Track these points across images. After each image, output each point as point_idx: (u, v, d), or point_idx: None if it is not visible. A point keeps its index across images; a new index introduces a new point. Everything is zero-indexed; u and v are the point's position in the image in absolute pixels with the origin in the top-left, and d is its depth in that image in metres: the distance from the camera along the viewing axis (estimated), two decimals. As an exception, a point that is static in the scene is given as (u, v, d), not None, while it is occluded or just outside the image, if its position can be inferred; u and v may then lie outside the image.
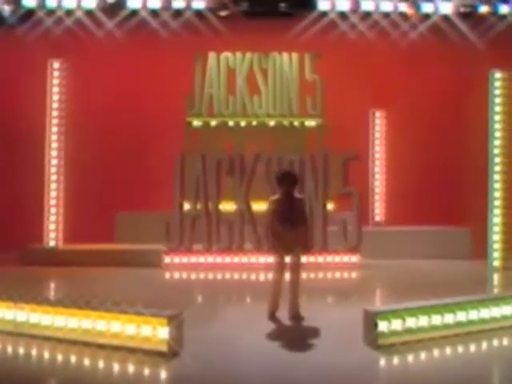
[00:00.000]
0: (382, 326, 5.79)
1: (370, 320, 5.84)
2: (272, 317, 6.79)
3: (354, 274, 9.99)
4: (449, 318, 6.09)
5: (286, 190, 6.79)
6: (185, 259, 10.35)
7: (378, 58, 11.93)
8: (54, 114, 11.03)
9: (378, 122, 12.37)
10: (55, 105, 11.07)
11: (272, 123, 11.67)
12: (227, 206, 10.76)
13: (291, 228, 6.71)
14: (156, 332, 5.57)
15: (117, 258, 10.19)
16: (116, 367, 5.40)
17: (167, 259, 10.32)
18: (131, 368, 5.36)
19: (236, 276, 9.83)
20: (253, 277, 9.75)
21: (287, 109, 11.73)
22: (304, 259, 10.02)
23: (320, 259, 10.47)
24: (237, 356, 5.59)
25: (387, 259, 10.79)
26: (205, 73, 11.45)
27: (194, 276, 9.81)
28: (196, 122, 11.45)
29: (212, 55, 11.55)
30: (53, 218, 10.70)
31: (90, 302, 6.10)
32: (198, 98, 11.49)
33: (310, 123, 11.65)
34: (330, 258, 10.51)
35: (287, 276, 6.91)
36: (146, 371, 5.29)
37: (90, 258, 10.21)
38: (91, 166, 11.73)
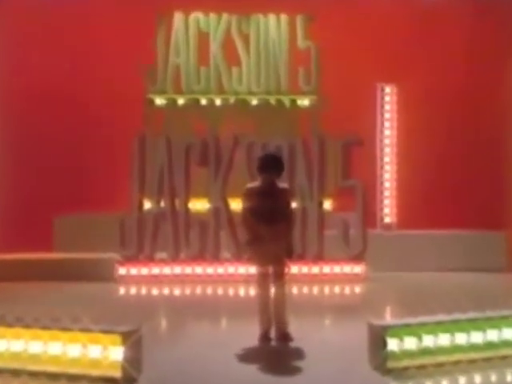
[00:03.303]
0: (392, 344, 5.73)
1: (377, 337, 5.76)
2: (266, 337, 6.77)
3: (357, 289, 10.06)
4: (477, 337, 6.02)
5: (267, 178, 6.69)
6: (145, 270, 10.39)
7: (386, 21, 12.03)
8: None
9: (388, 100, 12.38)
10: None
11: (255, 102, 11.78)
12: (199, 204, 10.85)
13: (273, 228, 6.65)
14: (107, 353, 5.49)
15: (56, 271, 10.22)
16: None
17: (122, 270, 10.38)
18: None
19: (209, 291, 9.87)
20: (231, 291, 9.83)
21: (274, 84, 11.85)
22: (295, 269, 10.02)
23: (315, 270, 10.53)
24: (207, 382, 5.57)
25: (399, 271, 10.97)
26: (169, 38, 11.48)
27: (156, 291, 9.85)
28: (159, 100, 11.52)
29: (178, 16, 11.56)
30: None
31: (21, 319, 6.00)
32: (162, 70, 11.55)
33: (303, 101, 11.79)
34: (327, 269, 10.56)
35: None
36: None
37: (22, 271, 10.23)
38: (23, 159, 11.74)
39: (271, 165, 6.73)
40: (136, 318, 7.76)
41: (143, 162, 10.45)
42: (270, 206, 6.65)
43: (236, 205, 10.40)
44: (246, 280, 9.86)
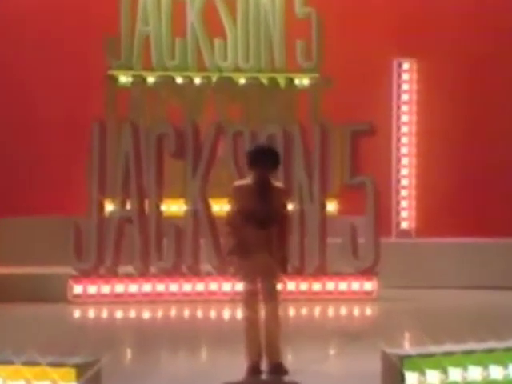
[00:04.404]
0: (412, 378, 5.69)
1: (393, 369, 5.74)
2: (255, 371, 6.72)
3: (367, 310, 10.11)
4: (516, 370, 6.03)
5: (259, 174, 6.72)
6: (106, 288, 10.31)
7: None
8: None
9: (406, 78, 12.41)
10: None
11: (242, 81, 11.78)
12: (173, 206, 10.88)
13: (265, 235, 6.65)
14: (57, 392, 5.45)
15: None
16: None
17: (77, 288, 10.31)
18: None
19: (187, 313, 9.87)
20: (212, 314, 9.83)
21: (266, 59, 11.86)
22: (291, 285, 10.00)
23: (316, 286, 10.53)
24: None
25: (419, 287, 10.97)
26: (136, 2, 11.48)
27: (120, 314, 9.84)
28: (124, 78, 11.51)
29: (148, -25, 11.62)
30: None
31: None
32: (127, 41, 11.54)
33: (301, 81, 11.85)
34: (330, 286, 10.55)
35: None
36: None
37: None
38: None
39: (264, 158, 6.76)
40: (94, 347, 7.70)
41: (104, 155, 10.41)
42: (261, 209, 6.67)
43: (219, 207, 10.52)
44: (232, 299, 9.80)
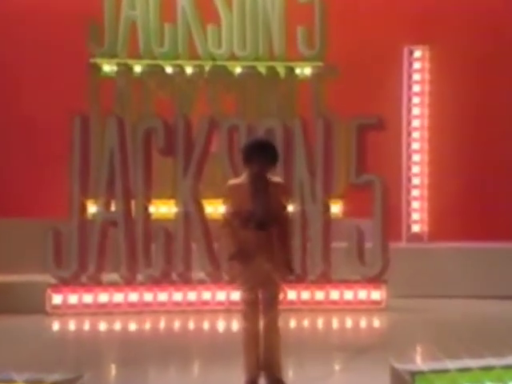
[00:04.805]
0: (424, 397, 5.68)
1: (403, 386, 5.76)
2: None
3: (376, 321, 10.08)
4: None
5: (256, 171, 6.74)
6: (88, 298, 10.25)
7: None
8: None
9: (418, 67, 12.31)
10: None
11: (238, 70, 11.71)
12: (163, 208, 10.78)
13: (264, 238, 6.67)
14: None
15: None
16: None
17: (57, 298, 10.25)
18: None
19: (177, 324, 9.82)
20: (206, 325, 9.77)
21: (264, 47, 11.77)
22: (292, 294, 10.02)
23: (319, 295, 10.47)
24: None
25: (431, 296, 10.97)
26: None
27: (104, 326, 9.76)
28: (107, 67, 11.41)
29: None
30: None
31: None
32: (111, 26, 11.44)
33: (303, 70, 11.75)
34: (335, 294, 10.51)
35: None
36: None
37: None
38: None
39: (260, 153, 6.75)
40: (76, 362, 7.74)
41: (86, 151, 10.34)
42: (259, 208, 6.66)
43: (213, 208, 10.53)
44: (227, 309, 9.83)
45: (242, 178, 6.84)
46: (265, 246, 6.66)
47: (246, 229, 6.66)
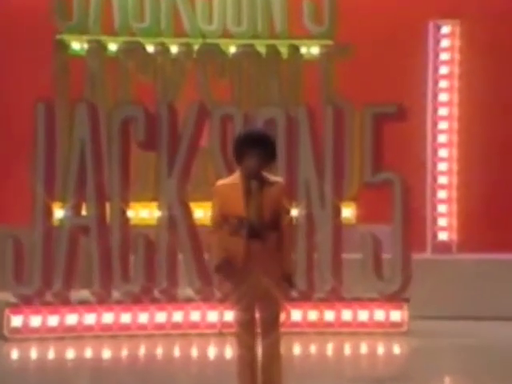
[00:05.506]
0: None
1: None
2: None
3: (395, 347, 10.11)
4: None
5: (250, 167, 6.75)
6: (53, 320, 10.20)
7: None
8: None
9: (446, 45, 12.28)
10: None
11: (233, 49, 11.76)
12: (143, 212, 10.88)
13: (260, 247, 6.70)
14: None
15: None
16: None
17: (16, 321, 10.21)
18: None
19: (160, 350, 9.82)
20: (194, 352, 9.79)
21: (264, 22, 11.82)
22: (296, 314, 9.95)
23: (329, 316, 10.44)
24: None
25: (461, 318, 10.98)
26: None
27: (72, 353, 9.71)
28: (77, 45, 11.45)
29: None
30: None
31: None
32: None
33: (310, 50, 11.81)
34: (347, 315, 10.49)
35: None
36: None
37: None
38: None
39: (255, 147, 6.74)
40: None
41: (52, 145, 10.28)
42: (253, 213, 6.67)
43: (202, 213, 10.44)
44: (219, 332, 9.85)
45: (233, 177, 6.86)
46: (260, 257, 6.65)
47: (237, 237, 6.66)
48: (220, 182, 6.93)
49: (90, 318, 10.20)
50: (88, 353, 9.71)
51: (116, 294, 10.30)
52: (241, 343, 6.75)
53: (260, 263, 6.64)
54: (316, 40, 11.73)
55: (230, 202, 6.71)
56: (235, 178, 6.80)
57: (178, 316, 10.29)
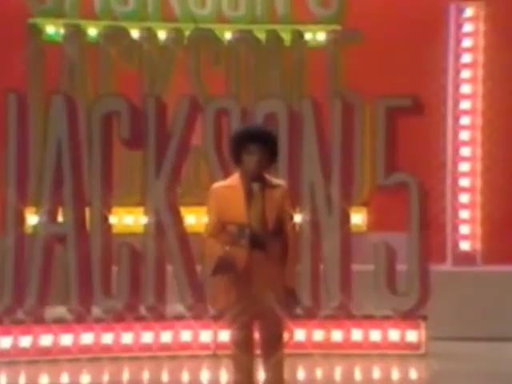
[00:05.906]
0: None
1: None
2: None
3: (412, 371, 10.11)
4: None
5: (249, 168, 6.92)
6: (25, 341, 10.17)
7: None
8: None
9: (469, 30, 12.31)
10: None
11: (229, 36, 11.89)
12: (128, 218, 11.08)
13: (260, 257, 6.86)
14: None
15: None
16: None
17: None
18: None
19: (146, 374, 9.83)
20: (185, 376, 9.81)
21: (263, 6, 12.04)
22: (300, 334, 10.19)
23: (337, 336, 10.46)
24: None
25: (485, 339, 11.05)
26: None
27: (46, 379, 9.72)
28: (51, 29, 11.57)
29: None
30: None
31: None
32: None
33: (315, 36, 11.95)
34: (358, 335, 10.52)
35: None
36: None
37: None
38: None
39: (255, 146, 6.90)
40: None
41: (25, 142, 10.21)
42: (254, 219, 6.86)
43: (194, 219, 10.48)
44: (214, 354, 9.93)
45: (231, 179, 7.07)
46: (262, 270, 6.82)
47: (236, 246, 6.83)
48: (217, 184, 7.13)
49: (66, 339, 10.14)
50: (64, 378, 9.65)
51: (96, 312, 10.24)
52: (238, 366, 6.98)
53: (262, 276, 6.80)
54: (322, 25, 11.89)
55: (229, 207, 6.89)
56: (234, 179, 6.99)
57: (166, 336, 10.29)
